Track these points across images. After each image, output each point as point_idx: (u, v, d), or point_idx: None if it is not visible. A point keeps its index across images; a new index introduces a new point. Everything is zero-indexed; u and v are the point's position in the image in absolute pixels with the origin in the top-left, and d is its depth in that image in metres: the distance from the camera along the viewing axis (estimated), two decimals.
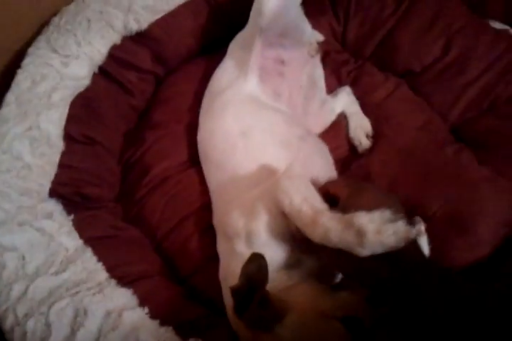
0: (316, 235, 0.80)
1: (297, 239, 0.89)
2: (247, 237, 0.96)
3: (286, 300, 0.86)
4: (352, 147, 1.38)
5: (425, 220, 1.16)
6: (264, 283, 0.81)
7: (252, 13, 1.27)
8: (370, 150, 1.35)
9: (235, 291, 0.80)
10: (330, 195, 0.89)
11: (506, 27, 1.49)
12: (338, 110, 1.43)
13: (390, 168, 1.29)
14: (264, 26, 1.21)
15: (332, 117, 1.42)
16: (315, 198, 0.86)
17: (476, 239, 1.16)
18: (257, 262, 0.81)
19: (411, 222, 0.72)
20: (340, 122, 1.42)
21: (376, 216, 0.73)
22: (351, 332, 0.78)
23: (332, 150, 1.29)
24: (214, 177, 1.19)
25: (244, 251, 0.95)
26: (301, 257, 0.94)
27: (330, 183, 0.95)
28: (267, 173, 1.07)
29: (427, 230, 1.11)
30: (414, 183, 1.26)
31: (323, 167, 1.18)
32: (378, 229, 0.72)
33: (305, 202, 0.84)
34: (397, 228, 0.71)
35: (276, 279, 0.89)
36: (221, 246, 1.07)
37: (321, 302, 0.83)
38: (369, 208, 0.77)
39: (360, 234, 0.73)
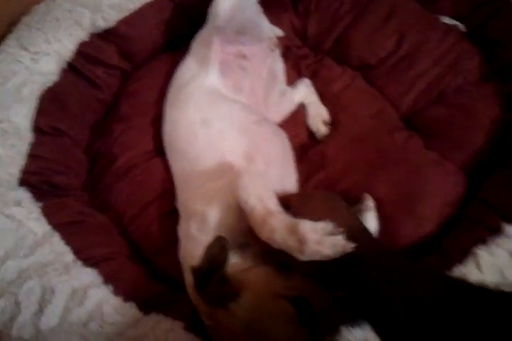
0: (263, 234, 0.83)
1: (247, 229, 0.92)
2: (201, 221, 1.01)
3: (243, 279, 0.89)
4: (310, 134, 1.43)
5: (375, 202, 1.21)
6: (224, 264, 0.85)
7: (208, 13, 1.30)
8: (327, 138, 1.39)
9: (196, 270, 0.85)
10: (284, 203, 0.91)
11: (455, 22, 1.55)
12: (297, 100, 1.47)
13: (344, 154, 1.34)
14: (221, 25, 1.26)
15: (291, 107, 1.46)
16: (270, 199, 0.89)
17: (421, 218, 1.20)
18: (220, 243, 0.85)
19: (352, 236, 0.75)
20: (300, 112, 1.47)
21: (319, 227, 0.76)
22: (299, 313, 0.82)
23: (291, 138, 1.33)
24: (178, 166, 1.23)
25: (196, 234, 1.00)
26: (250, 242, 0.97)
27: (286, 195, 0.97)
28: (228, 161, 1.10)
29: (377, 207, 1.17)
30: (365, 168, 1.30)
31: (280, 150, 1.22)
32: (319, 240, 0.75)
33: (260, 201, 0.87)
34: (336, 241, 0.74)
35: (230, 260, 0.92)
36: (180, 229, 1.10)
37: (274, 283, 0.87)
38: (318, 214, 0.81)
39: (301, 241, 0.76)
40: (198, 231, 1.01)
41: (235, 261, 0.94)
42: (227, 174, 1.06)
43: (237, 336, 0.87)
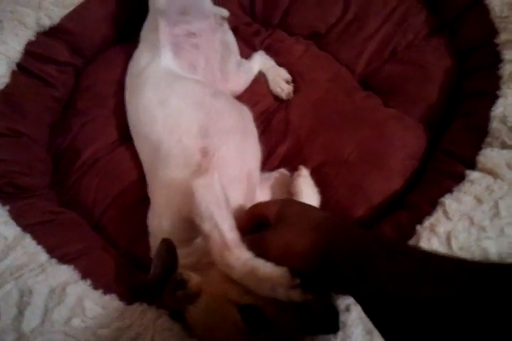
0: (220, 265, 0.81)
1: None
2: (159, 218, 1.02)
3: (202, 282, 0.86)
4: (272, 101, 1.40)
5: (343, 162, 1.20)
6: (176, 267, 0.83)
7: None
8: (288, 105, 1.36)
9: (150, 280, 0.83)
10: (259, 217, 0.88)
11: None
12: (255, 69, 1.44)
13: (307, 119, 1.30)
14: (162, 9, 1.24)
15: (250, 75, 1.42)
16: (225, 221, 0.84)
17: (388, 172, 1.18)
18: (167, 247, 0.82)
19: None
20: (259, 80, 1.43)
21: (276, 276, 0.73)
22: (246, 321, 0.78)
23: (254, 106, 1.32)
24: (143, 150, 1.20)
25: (154, 229, 1.03)
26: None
27: (256, 205, 0.94)
28: (186, 142, 1.07)
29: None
30: (329, 131, 1.27)
31: (238, 122, 1.17)
32: (272, 288, 0.73)
33: (215, 227, 0.83)
34: (291, 295, 0.72)
35: (180, 256, 0.87)
36: (148, 219, 1.08)
37: (230, 288, 0.82)
38: (301, 215, 0.79)
39: (256, 282, 0.75)
40: (156, 226, 1.02)
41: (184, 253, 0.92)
42: (187, 163, 1.04)
43: (197, 335, 0.89)
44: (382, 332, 0.59)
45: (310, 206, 0.90)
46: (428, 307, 0.52)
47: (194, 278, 0.87)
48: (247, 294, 0.79)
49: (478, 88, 1.22)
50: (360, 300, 0.65)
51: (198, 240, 0.96)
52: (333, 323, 0.79)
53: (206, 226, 0.84)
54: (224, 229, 0.82)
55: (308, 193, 1.09)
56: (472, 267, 0.55)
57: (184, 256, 0.93)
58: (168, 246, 0.82)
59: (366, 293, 0.62)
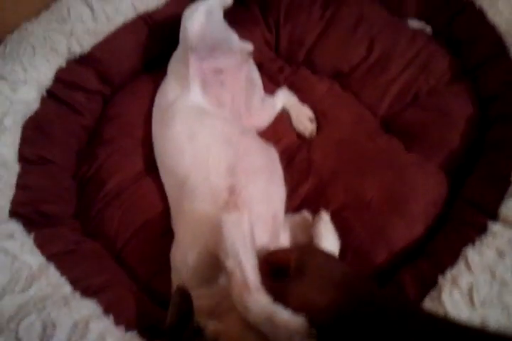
0: (238, 306, 0.80)
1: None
2: (182, 255, 1.01)
3: (218, 330, 0.85)
4: (295, 138, 1.41)
5: (365, 205, 1.21)
6: (192, 314, 0.83)
7: (180, 35, 1.29)
8: (310, 144, 1.37)
9: (167, 329, 0.84)
10: (278, 265, 0.86)
11: (423, 24, 1.55)
12: (278, 105, 1.45)
13: (330, 160, 1.31)
14: (193, 46, 1.25)
15: (274, 111, 1.44)
16: (248, 261, 0.84)
17: (410, 218, 1.18)
18: (181, 294, 0.84)
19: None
20: (282, 117, 1.45)
21: (292, 325, 0.73)
22: None
23: (277, 142, 1.33)
24: (169, 183, 1.20)
25: (177, 264, 1.03)
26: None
27: (275, 252, 0.92)
28: (214, 179, 1.08)
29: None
30: (351, 173, 1.27)
31: (265, 161, 1.19)
32: (289, 337, 0.72)
33: (238, 265, 0.83)
34: None
35: (200, 296, 0.90)
36: (171, 253, 1.08)
37: (248, 338, 0.82)
38: (322, 270, 0.79)
39: (272, 329, 0.74)
40: (181, 262, 1.02)
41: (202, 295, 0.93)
42: (215, 200, 1.05)
43: None
44: None
45: (330, 257, 0.89)
46: None
47: (211, 326, 0.87)
48: None
49: (501, 137, 1.23)
50: None
51: (220, 281, 0.96)
52: None
53: (230, 264, 0.84)
54: (247, 269, 0.82)
55: (328, 238, 1.08)
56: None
57: (205, 297, 0.93)
58: (182, 294, 0.84)
59: None
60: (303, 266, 0.80)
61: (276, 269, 0.86)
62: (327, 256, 0.88)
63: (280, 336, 0.74)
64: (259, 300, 0.78)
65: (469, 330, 0.62)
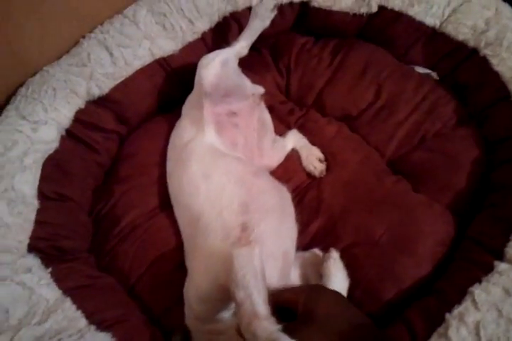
0: (245, 334, 0.82)
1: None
2: (195, 284, 1.06)
3: None
4: (305, 177, 1.46)
5: (374, 244, 1.24)
6: None
7: (195, 81, 1.36)
8: (320, 183, 1.41)
9: None
10: (286, 306, 0.88)
11: (428, 70, 1.61)
12: (289, 146, 1.50)
13: (339, 199, 1.35)
14: (207, 92, 1.31)
15: (284, 152, 1.49)
16: (259, 294, 0.85)
17: (418, 257, 1.21)
18: (180, 335, 0.93)
19: None
20: (293, 156, 1.49)
21: None
22: None
23: (287, 181, 1.37)
24: (183, 220, 1.25)
25: (190, 298, 1.06)
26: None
27: (281, 293, 0.93)
28: (227, 217, 1.12)
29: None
30: (360, 212, 1.31)
31: (277, 201, 1.22)
32: None
33: (248, 297, 0.84)
34: None
35: (211, 331, 0.98)
36: (185, 288, 1.11)
37: None
38: (330, 316, 0.80)
39: None
40: (194, 296, 1.05)
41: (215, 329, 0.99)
42: (227, 237, 1.09)
43: None
44: None
45: (339, 300, 0.89)
46: None
47: None
48: None
49: (506, 179, 1.27)
50: None
51: (228, 315, 0.99)
52: None
53: (240, 295, 0.85)
54: (256, 301, 0.83)
55: (337, 276, 1.12)
56: None
57: (216, 332, 0.97)
58: (183, 332, 0.93)
59: None
60: (311, 311, 0.82)
61: (283, 309, 0.87)
62: (336, 299, 0.89)
63: None
64: (268, 328, 0.79)
65: None
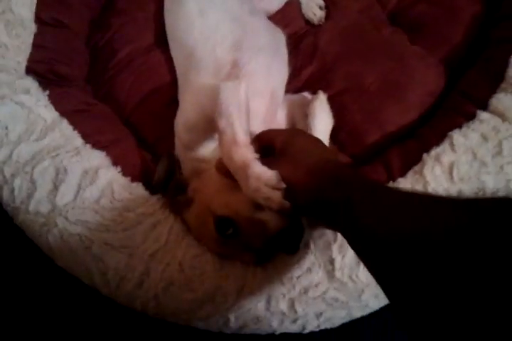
0: (223, 156, 0.87)
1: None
2: (183, 114, 1.11)
3: (197, 188, 0.97)
4: (303, 24, 1.43)
5: (363, 91, 1.27)
6: (176, 172, 0.99)
7: None
8: (317, 30, 1.39)
9: (155, 184, 1.00)
10: (266, 145, 0.89)
11: None
12: None
13: (335, 46, 1.35)
14: None
15: None
16: (241, 125, 0.88)
17: (406, 106, 1.25)
18: (169, 158, 1.00)
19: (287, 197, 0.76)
20: (292, 2, 1.45)
21: (264, 177, 0.77)
22: (219, 230, 0.88)
23: (284, 27, 1.35)
24: (178, 56, 1.26)
25: (179, 128, 1.11)
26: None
27: (264, 133, 0.95)
28: (219, 54, 1.14)
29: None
30: (354, 59, 1.32)
31: (270, 41, 1.23)
32: (257, 188, 0.77)
33: (230, 125, 0.87)
34: (271, 196, 0.76)
35: (195, 158, 1.05)
36: (175, 121, 1.15)
37: (216, 198, 0.91)
38: (302, 152, 0.82)
39: (245, 179, 0.80)
40: (181, 125, 1.10)
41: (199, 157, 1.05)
42: (218, 72, 1.12)
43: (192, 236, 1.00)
44: (370, 270, 0.63)
45: (314, 144, 0.90)
46: (407, 240, 0.53)
47: (193, 184, 0.98)
48: (227, 207, 0.88)
49: (504, 36, 1.25)
50: (347, 239, 0.70)
51: (213, 147, 1.05)
52: (292, 244, 0.90)
53: (222, 123, 0.89)
54: (237, 129, 0.87)
55: (321, 116, 1.15)
56: (452, 201, 0.58)
57: (198, 159, 1.04)
58: (170, 156, 0.98)
59: (352, 234, 0.67)
60: (286, 149, 0.85)
61: (265, 148, 0.90)
62: (310, 141, 0.91)
63: (250, 186, 0.79)
64: (244, 154, 0.83)
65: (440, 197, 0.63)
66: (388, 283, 0.58)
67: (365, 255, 0.65)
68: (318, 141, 0.93)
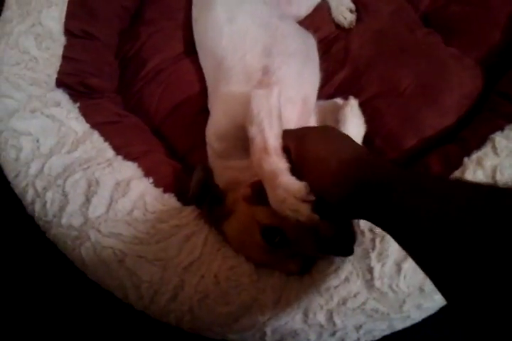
0: (254, 163, 0.84)
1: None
2: (217, 131, 1.08)
3: (236, 199, 0.93)
4: (333, 29, 1.40)
5: (398, 94, 1.23)
6: (211, 185, 0.96)
7: None
8: (348, 34, 1.37)
9: (190, 197, 0.96)
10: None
11: None
12: None
13: (367, 50, 1.32)
14: None
15: (314, 1, 1.41)
16: (271, 130, 0.86)
17: (443, 109, 1.21)
18: (203, 168, 0.96)
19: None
20: (322, 7, 1.42)
21: (292, 188, 0.75)
22: (266, 240, 0.85)
23: (314, 32, 1.32)
24: (207, 65, 1.24)
25: (211, 138, 1.09)
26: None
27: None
28: (249, 60, 1.11)
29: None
30: (387, 62, 1.28)
31: (301, 46, 1.20)
32: (284, 199, 0.75)
33: (260, 132, 0.85)
34: (299, 209, 0.74)
35: (229, 168, 1.03)
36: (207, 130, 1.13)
37: (259, 209, 0.87)
38: (316, 160, 0.77)
39: (273, 189, 0.78)
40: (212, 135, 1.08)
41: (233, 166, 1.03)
42: (248, 80, 1.09)
43: (232, 248, 0.97)
44: (415, 259, 0.60)
45: (326, 138, 0.84)
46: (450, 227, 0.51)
47: (231, 196, 0.94)
48: (272, 216, 0.83)
49: None
50: (389, 231, 0.65)
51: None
52: (346, 247, 0.84)
53: (253, 130, 0.86)
54: (268, 136, 0.84)
55: (353, 122, 1.12)
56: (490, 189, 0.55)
57: (233, 169, 1.03)
58: (204, 168, 0.95)
59: (394, 221, 0.62)
60: (301, 156, 0.81)
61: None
62: (321, 136, 0.85)
63: (277, 197, 0.77)
64: (274, 162, 0.80)
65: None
66: (439, 275, 0.55)
67: (409, 244, 0.61)
68: (327, 133, 0.86)
